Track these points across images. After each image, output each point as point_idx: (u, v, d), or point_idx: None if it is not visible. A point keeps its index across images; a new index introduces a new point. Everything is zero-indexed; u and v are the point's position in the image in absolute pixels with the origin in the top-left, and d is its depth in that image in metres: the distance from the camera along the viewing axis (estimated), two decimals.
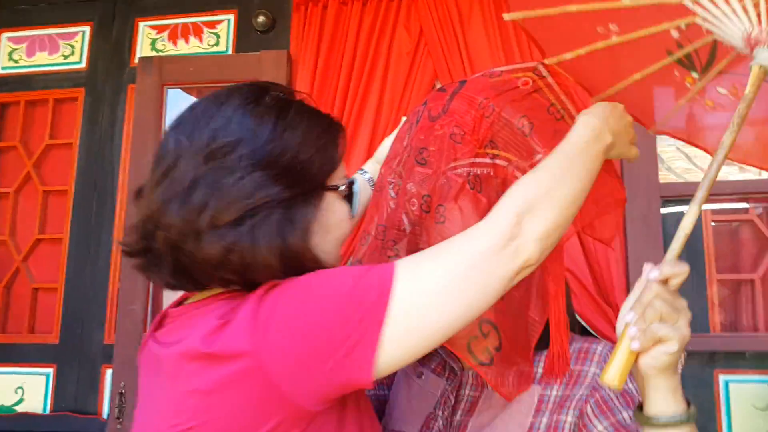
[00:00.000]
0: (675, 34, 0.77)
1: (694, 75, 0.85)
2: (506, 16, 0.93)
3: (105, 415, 2.27)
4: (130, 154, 2.37)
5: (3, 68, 2.67)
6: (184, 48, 2.50)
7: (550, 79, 1.00)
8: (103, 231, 2.44)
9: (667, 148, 2.42)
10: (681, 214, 2.07)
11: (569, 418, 0.88)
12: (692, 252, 2.12)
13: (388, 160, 1.05)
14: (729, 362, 2.05)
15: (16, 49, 2.66)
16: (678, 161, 2.53)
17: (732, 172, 2.33)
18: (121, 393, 2.11)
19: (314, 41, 2.21)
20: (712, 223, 2.13)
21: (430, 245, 0.91)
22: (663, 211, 2.03)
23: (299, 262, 0.72)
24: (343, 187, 0.78)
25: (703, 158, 2.39)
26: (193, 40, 2.49)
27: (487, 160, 0.97)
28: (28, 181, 2.60)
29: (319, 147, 0.75)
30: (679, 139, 1.09)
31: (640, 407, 0.75)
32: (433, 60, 2.12)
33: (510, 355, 0.90)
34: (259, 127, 0.71)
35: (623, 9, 0.76)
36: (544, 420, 0.89)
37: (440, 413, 0.97)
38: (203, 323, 0.68)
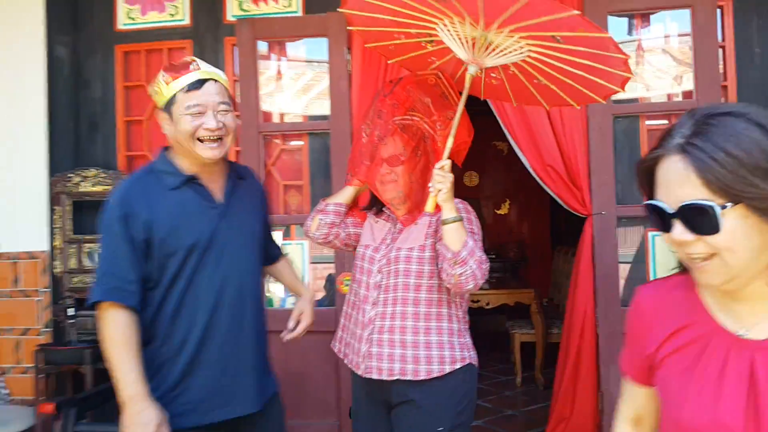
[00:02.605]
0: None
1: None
2: (340, 9, 1.96)
3: None
4: (237, 91, 3.28)
5: (124, 24, 3.51)
6: (264, 8, 3.33)
7: (442, 79, 2.09)
8: None
9: None
10: (627, 125, 2.99)
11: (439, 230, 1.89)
12: (634, 151, 3.10)
13: (363, 117, 2.09)
14: None
15: (132, 9, 3.49)
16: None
17: (659, 97, 3.25)
18: None
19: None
20: (647, 131, 3.10)
21: (378, 154, 1.96)
22: (615, 125, 2.99)
23: None
24: None
25: (644, 79, 3.27)
26: (271, 2, 3.31)
27: (408, 117, 2.02)
28: (154, 110, 3.52)
29: None
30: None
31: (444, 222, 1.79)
32: None
33: (410, 205, 1.92)
34: None
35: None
36: (431, 231, 1.91)
37: (389, 237, 1.98)
38: None
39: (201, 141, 1.71)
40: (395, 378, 1.80)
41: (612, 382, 3.03)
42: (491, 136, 6.60)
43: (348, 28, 2.10)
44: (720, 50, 3.01)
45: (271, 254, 2.09)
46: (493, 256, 6.70)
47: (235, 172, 1.89)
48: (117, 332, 1.64)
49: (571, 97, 1.92)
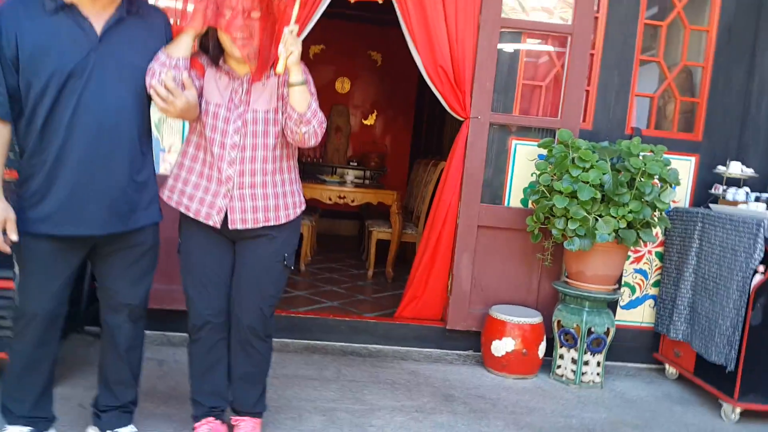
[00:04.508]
0: None
1: None
2: None
3: None
4: None
5: None
6: None
7: None
8: None
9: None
10: (509, 39, 3.32)
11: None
12: (511, 66, 3.46)
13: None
14: (519, 133, 3.51)
15: None
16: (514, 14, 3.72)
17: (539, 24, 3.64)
18: None
19: None
20: (524, 52, 3.47)
21: (231, 7, 1.90)
22: (500, 42, 3.32)
23: None
24: None
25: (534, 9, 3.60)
26: None
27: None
28: None
29: None
30: None
31: (291, 84, 1.93)
32: None
33: (260, 62, 1.96)
34: None
35: None
36: (280, 92, 2.01)
37: (237, 97, 2.02)
38: None
39: None
40: (260, 225, 2.07)
41: (462, 267, 3.48)
42: (368, 45, 6.75)
43: None
44: None
45: None
46: (355, 164, 7.00)
47: (128, 7, 1.89)
48: None
49: None
